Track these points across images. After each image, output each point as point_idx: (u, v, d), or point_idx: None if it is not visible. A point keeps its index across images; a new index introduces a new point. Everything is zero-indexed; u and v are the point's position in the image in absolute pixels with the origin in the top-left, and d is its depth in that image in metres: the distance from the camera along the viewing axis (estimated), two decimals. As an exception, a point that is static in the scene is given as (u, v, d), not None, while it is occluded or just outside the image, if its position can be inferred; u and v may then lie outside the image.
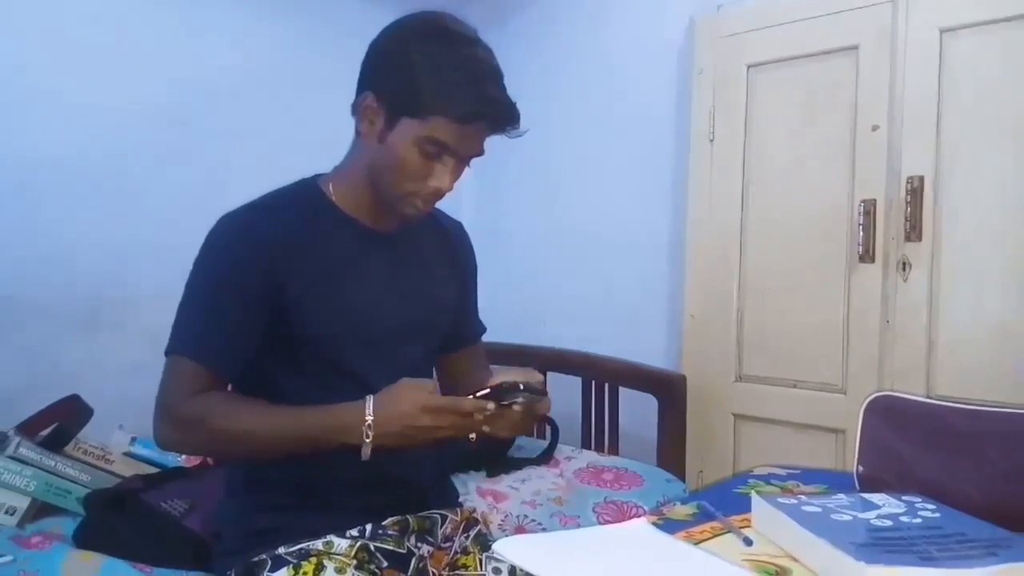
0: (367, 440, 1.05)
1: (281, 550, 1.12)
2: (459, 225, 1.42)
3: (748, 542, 0.89)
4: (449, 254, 1.34)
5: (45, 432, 1.73)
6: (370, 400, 1.06)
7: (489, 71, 1.09)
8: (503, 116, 1.09)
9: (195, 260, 1.16)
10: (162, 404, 1.12)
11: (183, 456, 1.88)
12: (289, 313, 1.11)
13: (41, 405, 1.79)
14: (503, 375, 1.09)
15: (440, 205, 1.40)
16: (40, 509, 1.62)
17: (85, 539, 1.46)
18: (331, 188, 1.20)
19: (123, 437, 1.93)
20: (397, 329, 1.20)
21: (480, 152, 1.13)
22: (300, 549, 1.13)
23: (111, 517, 1.49)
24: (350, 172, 1.19)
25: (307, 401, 1.09)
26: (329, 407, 1.08)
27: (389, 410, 1.05)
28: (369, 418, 1.04)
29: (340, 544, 1.14)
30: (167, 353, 1.13)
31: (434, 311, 1.28)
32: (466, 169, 1.16)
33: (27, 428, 1.72)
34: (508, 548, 0.87)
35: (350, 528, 1.15)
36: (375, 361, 1.16)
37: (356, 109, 1.14)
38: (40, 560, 1.37)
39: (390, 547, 1.17)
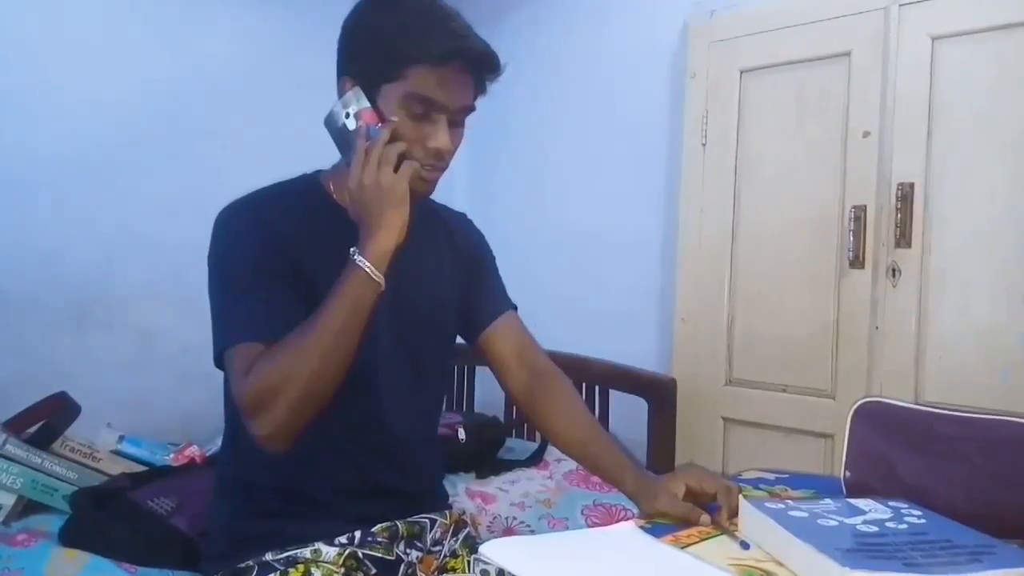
0: (372, 271, 1.01)
1: (268, 556, 1.11)
2: (462, 216, 1.39)
3: (745, 546, 0.89)
4: (452, 247, 1.30)
5: (32, 429, 1.72)
6: (355, 252, 1.02)
7: (453, 14, 1.08)
8: (478, 52, 1.06)
9: (212, 252, 1.12)
10: (246, 397, 1.02)
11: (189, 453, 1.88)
12: (298, 297, 1.08)
13: (29, 402, 1.78)
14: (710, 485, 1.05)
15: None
16: (26, 507, 1.61)
17: (71, 537, 1.45)
18: (331, 184, 1.18)
19: (111, 435, 1.93)
20: (396, 326, 1.17)
21: (468, 104, 1.10)
22: (288, 556, 1.11)
23: (97, 515, 1.48)
24: (346, 164, 1.15)
25: None
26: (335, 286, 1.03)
27: (368, 233, 1.02)
28: (362, 260, 1.01)
29: (328, 552, 1.13)
30: (226, 347, 1.06)
31: (433, 308, 1.24)
32: (463, 138, 1.13)
33: (14, 425, 1.71)
34: (495, 551, 0.87)
35: (339, 535, 1.14)
36: (375, 361, 1.14)
37: (343, 104, 1.11)
38: (25, 558, 1.37)
39: (379, 554, 1.15)
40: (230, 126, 2.46)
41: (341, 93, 1.10)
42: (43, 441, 1.69)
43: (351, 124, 1.08)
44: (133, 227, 2.30)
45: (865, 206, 2.01)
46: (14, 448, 1.61)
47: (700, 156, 2.35)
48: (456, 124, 1.11)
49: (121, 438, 1.93)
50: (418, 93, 1.04)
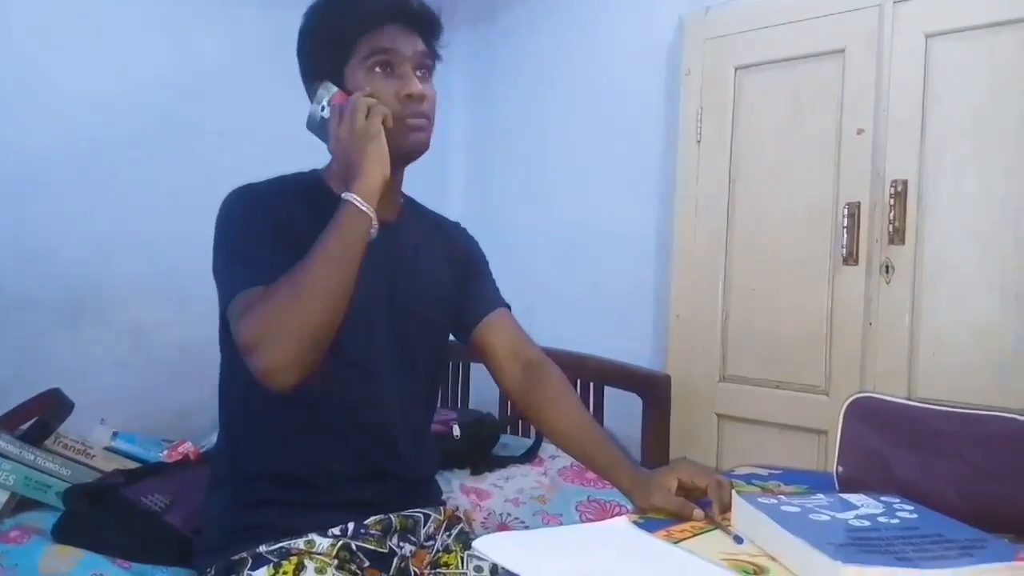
0: (361, 203, 1.05)
1: (262, 548, 1.11)
2: (456, 225, 1.43)
3: (739, 540, 0.90)
4: (446, 250, 1.34)
5: (25, 426, 1.72)
6: (344, 192, 1.06)
7: None
8: (411, 8, 1.16)
9: (218, 223, 1.15)
10: (244, 332, 1.01)
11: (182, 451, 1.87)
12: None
13: (23, 399, 1.78)
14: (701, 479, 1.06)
15: (431, 204, 1.40)
16: (19, 503, 1.60)
17: (64, 534, 1.45)
18: (329, 179, 1.21)
19: (105, 432, 1.92)
20: (391, 316, 1.20)
21: (422, 51, 1.17)
22: (281, 548, 1.12)
23: (91, 512, 1.48)
24: None
25: (305, 389, 1.05)
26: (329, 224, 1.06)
27: (353, 175, 1.07)
28: (350, 195, 1.05)
29: (321, 543, 1.13)
30: (230, 296, 1.06)
31: (428, 304, 1.26)
32: (436, 93, 1.19)
33: (7, 421, 1.71)
34: (489, 546, 0.87)
35: (332, 527, 1.15)
36: (371, 347, 1.17)
37: (317, 101, 1.18)
38: (18, 554, 1.37)
39: (372, 547, 1.16)
40: (226, 124, 2.45)
41: (312, 95, 1.17)
42: (36, 438, 1.69)
43: (327, 113, 1.14)
44: (128, 225, 2.30)
45: (859, 203, 2.02)
46: (7, 445, 1.60)
47: (695, 152, 2.35)
48: (424, 79, 1.17)
49: (115, 435, 1.93)
50: (372, 52, 1.13)
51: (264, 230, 1.10)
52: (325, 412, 1.14)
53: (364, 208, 1.05)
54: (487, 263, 1.42)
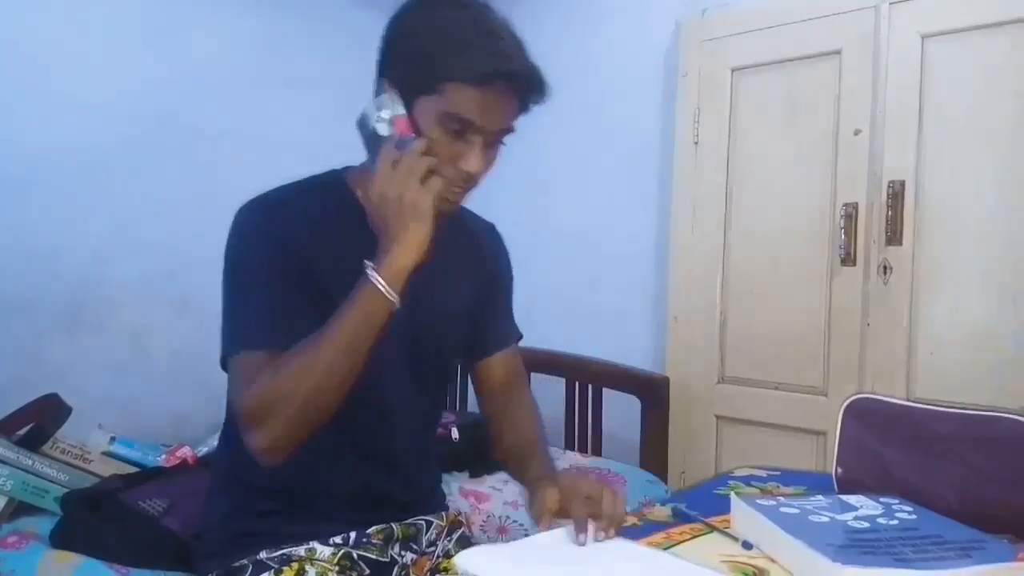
0: (386, 289, 0.97)
1: (263, 555, 1.10)
2: (491, 227, 1.35)
3: (747, 546, 0.89)
4: (473, 261, 1.27)
5: (23, 431, 1.72)
6: (370, 267, 0.98)
7: (503, 29, 1.03)
8: (523, 74, 1.01)
9: (229, 250, 1.08)
10: (245, 409, 1.00)
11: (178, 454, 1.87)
12: (309, 303, 1.05)
13: (20, 403, 1.77)
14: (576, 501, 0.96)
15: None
16: (17, 508, 1.60)
17: (62, 539, 1.45)
18: (357, 184, 1.13)
19: (102, 436, 1.92)
20: (407, 340, 1.13)
21: (507, 126, 1.05)
22: (282, 555, 1.10)
23: (88, 517, 1.48)
24: (373, 168, 1.06)
25: None
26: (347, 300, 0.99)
27: (386, 248, 0.98)
28: (376, 277, 0.97)
29: (323, 551, 1.12)
30: (231, 354, 1.03)
31: (445, 325, 1.21)
32: (497, 160, 1.08)
33: (4, 426, 1.70)
34: (469, 561, 0.85)
35: (334, 535, 1.13)
36: (385, 369, 1.09)
37: (378, 107, 1.06)
38: (16, 560, 1.36)
39: (373, 555, 1.15)
40: (223, 126, 2.45)
41: (377, 93, 1.05)
42: (34, 443, 1.68)
43: (383, 129, 1.02)
44: (126, 228, 2.29)
45: (856, 204, 2.02)
46: (4, 450, 1.60)
47: (692, 154, 2.35)
48: (492, 144, 1.05)
49: (113, 439, 1.92)
50: (455, 113, 0.99)
51: (275, 272, 1.04)
52: (330, 438, 1.05)
53: (389, 295, 0.97)
54: (512, 278, 1.36)
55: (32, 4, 2.13)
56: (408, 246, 0.97)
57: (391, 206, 0.98)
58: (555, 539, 0.93)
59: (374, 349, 0.99)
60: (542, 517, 0.97)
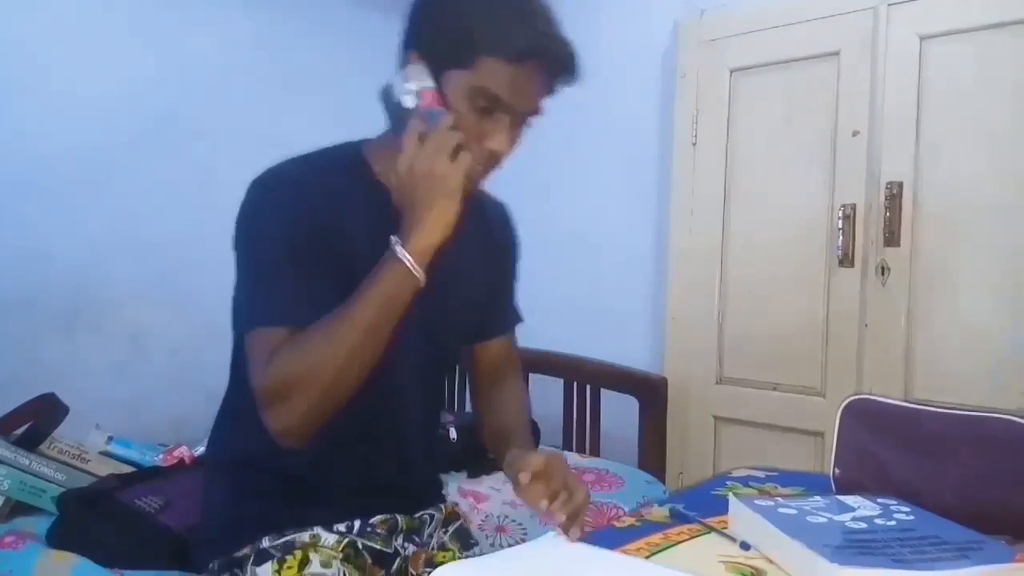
0: (413, 265, 0.95)
1: (265, 543, 1.07)
2: (502, 207, 1.33)
3: (745, 547, 0.89)
4: (486, 241, 1.25)
5: (20, 430, 1.71)
6: (396, 243, 0.96)
7: (543, 8, 1.02)
8: (560, 54, 1.00)
9: (245, 222, 1.05)
10: (265, 386, 0.97)
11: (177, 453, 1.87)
12: (328, 278, 1.02)
13: (18, 403, 1.77)
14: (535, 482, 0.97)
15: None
16: (14, 508, 1.60)
17: (59, 539, 1.44)
18: (375, 159, 1.10)
19: (100, 436, 1.91)
20: (425, 324, 1.11)
21: (536, 108, 1.03)
22: (285, 542, 1.07)
23: (86, 517, 1.47)
24: (396, 141, 1.01)
25: None
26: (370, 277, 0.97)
27: (412, 224, 0.96)
28: (404, 253, 0.95)
29: (327, 538, 1.09)
30: (248, 330, 1.00)
31: (462, 309, 1.20)
32: (521, 140, 1.05)
33: (1, 426, 1.70)
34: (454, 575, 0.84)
35: (337, 522, 1.11)
36: (400, 353, 1.05)
37: (404, 79, 1.02)
38: (13, 560, 1.36)
39: (378, 546, 1.13)
40: (220, 126, 2.45)
41: (403, 65, 1.02)
42: (31, 442, 1.68)
43: (409, 101, 0.99)
44: (123, 228, 2.29)
45: (854, 205, 2.02)
46: (1, 449, 1.59)
47: (691, 155, 2.35)
48: (518, 125, 1.03)
49: (110, 439, 1.91)
50: (486, 88, 0.98)
51: (294, 247, 1.01)
52: (341, 417, 1.01)
53: (415, 272, 0.95)
54: (518, 257, 1.36)
55: (32, 4, 2.12)
56: (436, 223, 0.95)
57: (420, 180, 0.95)
58: (540, 551, 0.92)
59: (396, 329, 0.98)
60: (521, 474, 0.97)
